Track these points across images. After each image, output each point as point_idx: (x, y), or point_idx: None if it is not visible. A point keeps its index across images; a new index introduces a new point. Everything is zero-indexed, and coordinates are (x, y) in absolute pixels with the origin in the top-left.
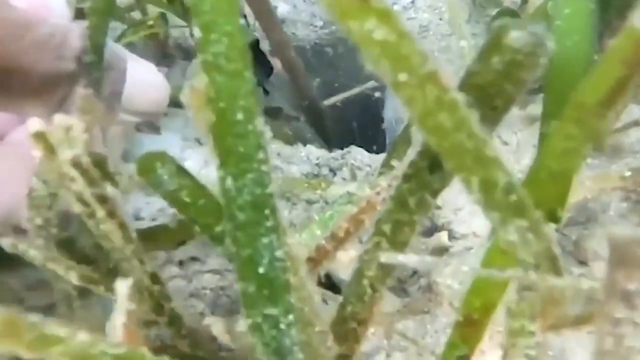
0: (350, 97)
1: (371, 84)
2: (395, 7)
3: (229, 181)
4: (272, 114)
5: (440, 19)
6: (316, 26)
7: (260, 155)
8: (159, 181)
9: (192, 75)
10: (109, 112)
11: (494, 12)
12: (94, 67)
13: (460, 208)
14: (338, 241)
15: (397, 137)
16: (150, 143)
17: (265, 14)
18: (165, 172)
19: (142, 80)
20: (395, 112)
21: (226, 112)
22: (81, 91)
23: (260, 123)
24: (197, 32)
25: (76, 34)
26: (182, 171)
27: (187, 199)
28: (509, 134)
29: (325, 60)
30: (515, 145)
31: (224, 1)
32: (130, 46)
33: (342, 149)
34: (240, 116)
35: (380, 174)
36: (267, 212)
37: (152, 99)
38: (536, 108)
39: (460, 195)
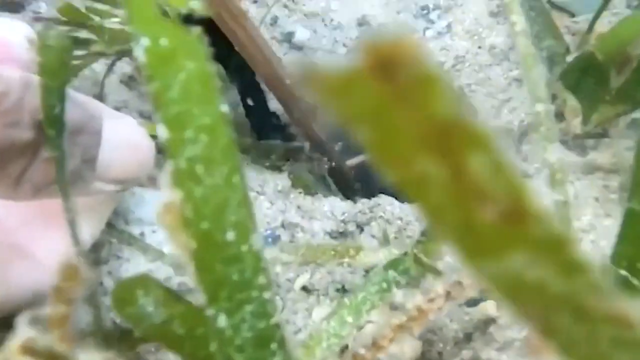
0: None
1: None
2: (429, 33)
3: (222, 320)
4: (292, 153)
5: (479, 47)
6: (339, 54)
7: (261, 279)
8: (141, 315)
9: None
10: (79, 187)
11: (550, 42)
12: (52, 142)
13: None
14: (378, 348)
15: None
16: (152, 199)
17: (279, 83)
18: (150, 301)
19: (122, 141)
20: None
21: (211, 235)
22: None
23: (259, 239)
24: (162, 132)
25: (36, 91)
26: (172, 296)
27: (181, 330)
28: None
29: None
30: (572, 197)
31: (197, 81)
32: None
33: (369, 198)
34: (231, 236)
35: (419, 242)
36: (273, 346)
37: (134, 162)
38: (599, 155)
39: None
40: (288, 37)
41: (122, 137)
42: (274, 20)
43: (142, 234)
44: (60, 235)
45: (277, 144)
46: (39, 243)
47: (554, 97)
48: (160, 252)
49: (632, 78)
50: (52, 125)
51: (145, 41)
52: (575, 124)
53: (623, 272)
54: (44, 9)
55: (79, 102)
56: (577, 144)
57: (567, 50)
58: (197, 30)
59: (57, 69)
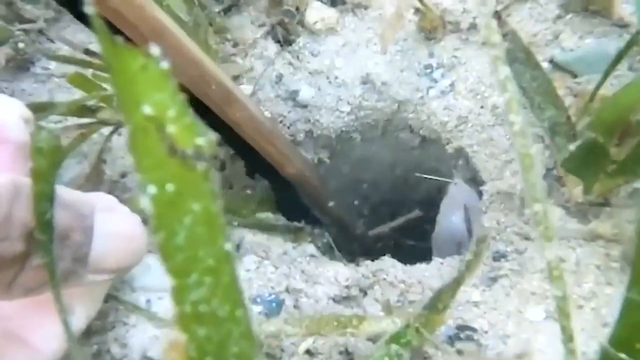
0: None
1: (416, 213)
2: (433, 92)
3: None
4: (293, 232)
5: (482, 107)
6: (342, 112)
7: None
8: None
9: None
10: (71, 281)
11: (552, 112)
12: (43, 246)
13: None
14: None
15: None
16: (158, 266)
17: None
18: None
19: (114, 233)
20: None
21: None
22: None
23: None
24: (171, 281)
25: (25, 199)
26: None
27: None
28: (566, 250)
29: (353, 147)
30: (573, 264)
31: (203, 223)
32: None
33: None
34: None
35: (420, 315)
36: None
37: (127, 253)
38: (600, 224)
39: None
40: (293, 95)
41: (115, 230)
42: (279, 78)
43: (148, 301)
44: (54, 322)
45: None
46: (34, 330)
47: (554, 166)
48: (166, 319)
49: (634, 151)
50: (44, 231)
51: (151, 189)
52: (577, 193)
53: (622, 356)
54: (52, 66)
55: (68, 203)
56: (579, 210)
57: (569, 119)
58: (202, 166)
59: (48, 173)
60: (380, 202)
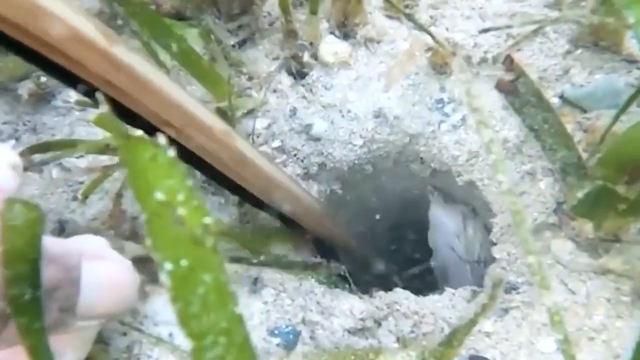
0: None
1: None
2: (444, 126)
3: None
4: (311, 267)
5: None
6: (355, 145)
7: None
8: None
9: None
10: (60, 330)
11: (563, 153)
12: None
13: None
14: None
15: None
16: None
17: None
18: None
19: (103, 281)
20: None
21: None
22: None
23: None
24: (190, 344)
25: None
26: None
27: None
28: (576, 283)
29: (365, 179)
30: (584, 297)
31: (214, 291)
32: None
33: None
34: None
35: (435, 351)
36: None
37: (117, 300)
38: (610, 260)
39: None
40: (307, 129)
41: (103, 278)
42: (293, 112)
43: (170, 335)
44: None
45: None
46: None
47: (565, 200)
48: (188, 351)
49: None
50: (22, 314)
51: (168, 266)
52: (587, 229)
53: None
54: (73, 99)
55: (55, 256)
56: (590, 245)
57: (580, 159)
58: (211, 242)
59: (25, 252)
60: (391, 229)
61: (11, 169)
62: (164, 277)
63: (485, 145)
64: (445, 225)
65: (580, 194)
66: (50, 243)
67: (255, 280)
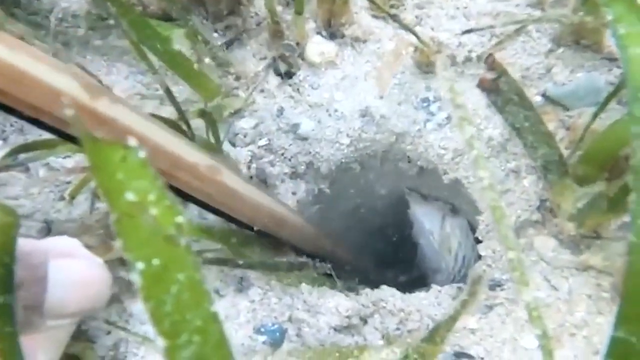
0: None
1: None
2: (430, 125)
3: None
4: (297, 267)
5: (477, 139)
6: (342, 144)
7: None
8: None
9: None
10: (29, 331)
11: (545, 151)
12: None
13: None
14: None
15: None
16: None
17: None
18: None
19: (72, 279)
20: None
21: None
22: None
23: None
24: (163, 343)
25: None
26: None
27: None
28: (559, 279)
29: (352, 178)
30: (566, 293)
31: (188, 290)
32: None
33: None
34: None
35: (418, 347)
36: None
37: (87, 297)
38: (591, 256)
39: None
40: (294, 129)
41: (72, 276)
42: (280, 112)
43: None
44: None
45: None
46: None
47: (547, 198)
48: None
49: (624, 186)
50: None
51: (139, 265)
52: (570, 226)
53: None
54: None
55: (18, 255)
56: (571, 241)
57: (561, 157)
58: (184, 241)
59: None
60: (379, 226)
61: None
62: (135, 277)
63: (467, 141)
64: (421, 222)
65: (579, 204)
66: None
67: (242, 279)
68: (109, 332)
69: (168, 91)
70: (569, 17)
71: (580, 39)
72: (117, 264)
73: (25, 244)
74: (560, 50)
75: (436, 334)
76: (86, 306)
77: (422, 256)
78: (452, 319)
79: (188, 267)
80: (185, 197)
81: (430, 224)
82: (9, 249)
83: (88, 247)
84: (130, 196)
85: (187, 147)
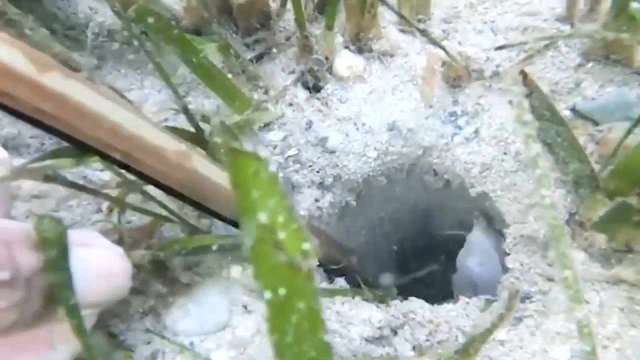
0: None
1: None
2: (457, 139)
3: None
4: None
5: (505, 153)
6: (369, 157)
7: None
8: None
9: None
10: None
11: (576, 166)
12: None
13: None
14: None
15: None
16: (196, 313)
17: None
18: None
19: (93, 270)
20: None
21: None
22: None
23: None
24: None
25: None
26: None
27: None
28: (589, 292)
29: (379, 190)
30: (597, 306)
31: (307, 320)
32: None
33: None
34: None
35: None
36: None
37: (107, 288)
38: (623, 270)
39: None
40: (322, 142)
41: (93, 265)
42: (309, 125)
43: (191, 344)
44: (32, 359)
45: None
46: None
47: (577, 211)
48: (207, 359)
49: None
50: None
51: (267, 294)
52: (600, 240)
53: None
54: None
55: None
56: (602, 255)
57: (592, 172)
58: (307, 268)
59: (60, 260)
60: (404, 239)
61: None
62: (264, 306)
63: (532, 159)
64: (472, 253)
65: (600, 212)
66: (29, 230)
67: None
68: (148, 342)
69: (185, 109)
70: (601, 33)
71: (610, 54)
72: (152, 275)
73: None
74: (590, 64)
75: (471, 345)
76: (107, 297)
77: (454, 281)
78: (488, 331)
79: (309, 295)
80: (155, 184)
81: (478, 259)
82: (65, 253)
83: None
84: (262, 218)
85: (153, 130)
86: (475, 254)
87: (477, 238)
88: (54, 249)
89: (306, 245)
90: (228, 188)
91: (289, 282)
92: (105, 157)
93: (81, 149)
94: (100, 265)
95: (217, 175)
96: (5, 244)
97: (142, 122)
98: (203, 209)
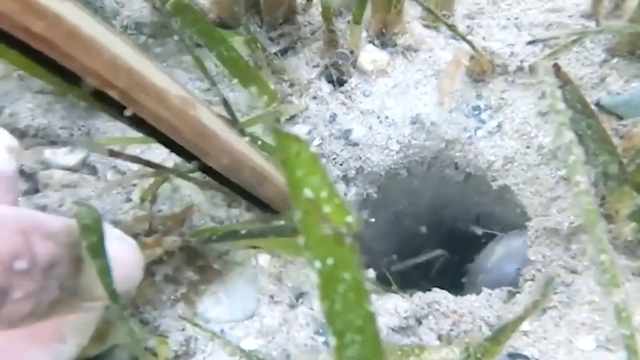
0: None
1: (438, 251)
2: (480, 132)
3: None
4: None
5: (528, 147)
6: (392, 150)
7: None
8: None
9: None
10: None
11: (605, 158)
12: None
13: None
14: None
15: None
16: (227, 300)
17: None
18: None
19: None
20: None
21: None
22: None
23: None
24: (333, 341)
25: (5, 232)
26: None
27: None
28: None
29: (399, 182)
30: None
31: (352, 290)
32: None
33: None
34: None
35: (480, 345)
36: None
37: (121, 278)
38: None
39: None
40: (346, 135)
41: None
42: (333, 118)
43: (222, 331)
44: (42, 352)
45: None
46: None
47: (604, 202)
48: (237, 347)
49: None
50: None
51: (317, 264)
52: (626, 232)
53: None
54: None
55: (53, 232)
56: (627, 247)
57: (621, 165)
58: (350, 241)
59: (99, 244)
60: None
61: (8, 152)
62: (314, 276)
63: (566, 146)
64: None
65: (628, 205)
66: (47, 219)
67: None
68: (183, 329)
69: (224, 100)
70: (630, 27)
71: (635, 50)
72: (184, 262)
73: (54, 221)
74: (615, 60)
75: (501, 334)
76: (120, 287)
77: (473, 273)
78: (520, 318)
79: (353, 267)
80: (150, 132)
81: (518, 267)
82: (103, 245)
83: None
84: (308, 193)
85: (157, 71)
86: (516, 261)
87: (520, 245)
88: (94, 235)
89: (349, 218)
90: (233, 146)
91: (336, 252)
92: (101, 99)
93: (72, 83)
94: (114, 257)
95: (222, 130)
96: (22, 233)
97: (145, 60)
98: (204, 168)
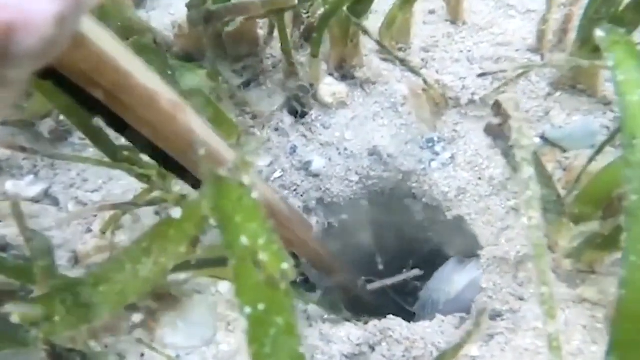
0: None
1: (415, 272)
2: (434, 164)
3: None
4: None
5: (480, 178)
6: (352, 181)
7: None
8: None
9: None
10: None
11: (544, 192)
12: None
13: None
14: None
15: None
16: (184, 327)
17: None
18: None
19: None
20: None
21: None
22: None
23: None
24: None
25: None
26: None
27: None
28: (557, 311)
29: (361, 214)
30: (563, 323)
31: (284, 334)
32: None
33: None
34: None
35: None
36: None
37: None
38: (587, 290)
39: None
40: (306, 166)
41: None
42: (293, 150)
43: (178, 357)
44: None
45: None
46: None
47: (545, 236)
48: None
49: (618, 225)
50: None
51: (247, 310)
52: (566, 263)
53: None
54: None
55: None
56: (568, 276)
57: (559, 198)
58: (285, 286)
59: None
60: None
61: None
62: (243, 320)
63: (524, 181)
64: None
65: (575, 244)
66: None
67: None
68: (142, 355)
69: None
70: (569, 62)
71: (576, 84)
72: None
73: None
74: (558, 94)
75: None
76: None
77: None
78: (458, 346)
79: (286, 311)
80: (136, 138)
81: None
82: None
83: None
84: (244, 240)
85: (145, 71)
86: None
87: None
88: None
89: (285, 265)
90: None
91: (268, 298)
92: (82, 100)
93: (51, 81)
94: None
95: (214, 140)
96: None
97: (132, 56)
98: (189, 178)
